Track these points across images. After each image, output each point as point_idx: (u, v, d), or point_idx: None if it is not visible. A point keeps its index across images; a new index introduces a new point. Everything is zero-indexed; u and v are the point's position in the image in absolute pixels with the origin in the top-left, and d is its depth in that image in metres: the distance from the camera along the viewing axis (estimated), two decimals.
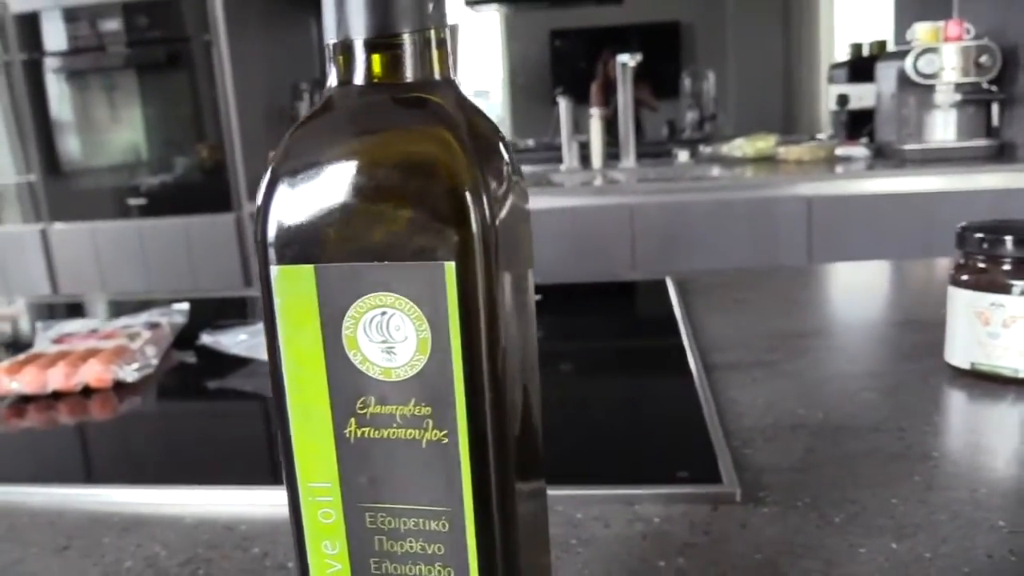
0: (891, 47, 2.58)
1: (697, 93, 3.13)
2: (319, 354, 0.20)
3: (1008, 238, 0.55)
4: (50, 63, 2.34)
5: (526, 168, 2.77)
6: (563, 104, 2.42)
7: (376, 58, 0.20)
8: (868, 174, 1.99)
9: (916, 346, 0.66)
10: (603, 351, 0.76)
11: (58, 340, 0.76)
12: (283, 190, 0.20)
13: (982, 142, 2.04)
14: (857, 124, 2.48)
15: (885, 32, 2.89)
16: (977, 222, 0.59)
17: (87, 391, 0.68)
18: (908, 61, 1.99)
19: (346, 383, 0.20)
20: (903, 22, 2.45)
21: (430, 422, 0.20)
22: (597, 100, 3.03)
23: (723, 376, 0.63)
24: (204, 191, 2.32)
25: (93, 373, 0.67)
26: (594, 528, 0.43)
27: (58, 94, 2.37)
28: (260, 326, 0.76)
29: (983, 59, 1.96)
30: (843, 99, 2.52)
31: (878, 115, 2.28)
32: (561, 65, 3.54)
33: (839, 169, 2.07)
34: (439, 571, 0.21)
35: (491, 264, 0.19)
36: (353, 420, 0.20)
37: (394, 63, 0.20)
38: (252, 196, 2.28)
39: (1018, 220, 0.59)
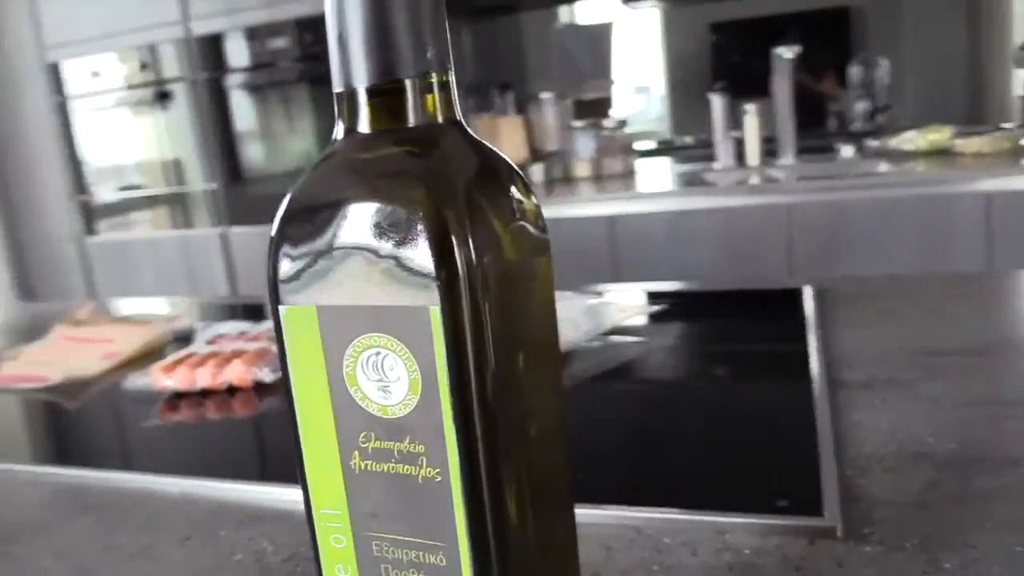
0: None
1: (868, 82, 2.93)
2: (325, 389, 0.21)
3: None
4: (232, 80, 2.55)
5: (680, 167, 2.71)
6: (716, 100, 2.34)
7: (377, 105, 0.21)
8: None
9: None
10: (718, 364, 0.74)
11: (211, 341, 0.83)
12: (288, 234, 0.21)
13: None
14: None
15: None
16: None
17: (231, 390, 0.74)
18: None
19: (349, 417, 0.21)
20: None
21: (424, 459, 0.20)
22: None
23: (848, 395, 0.59)
24: None
25: (236, 373, 0.73)
26: (680, 555, 0.42)
27: (239, 108, 2.58)
28: None
29: None
30: None
31: None
32: (721, 59, 3.43)
33: None
34: None
35: (479, 308, 0.19)
36: (357, 453, 0.21)
37: (395, 110, 0.21)
38: None
39: None
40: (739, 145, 2.44)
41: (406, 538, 0.21)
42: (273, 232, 0.21)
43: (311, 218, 0.21)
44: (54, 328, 0.93)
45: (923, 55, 3.14)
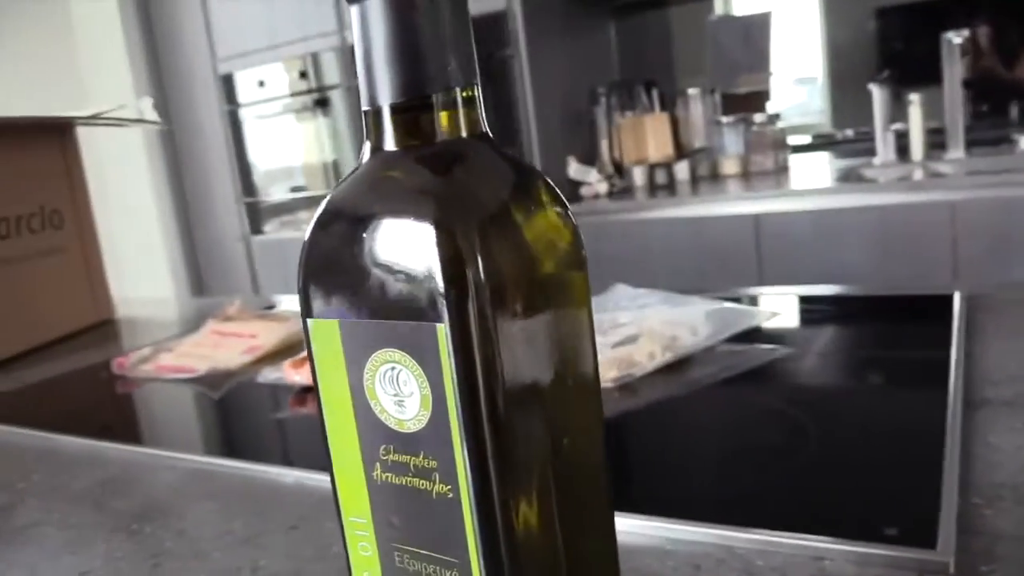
0: None
1: None
2: (348, 400, 0.22)
3: None
4: None
5: (838, 162, 2.56)
6: (876, 91, 2.20)
7: (400, 122, 0.21)
8: None
9: None
10: (844, 374, 0.69)
11: None
12: (314, 249, 0.22)
13: None
14: None
15: None
16: None
17: None
18: None
19: (370, 429, 0.21)
20: None
21: (436, 475, 0.20)
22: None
23: (988, 415, 0.54)
24: None
25: None
26: None
27: None
28: None
29: None
30: None
31: None
32: (886, 46, 3.21)
33: None
34: None
35: (488, 327, 0.19)
36: (378, 464, 0.22)
37: (418, 126, 0.21)
38: None
39: None
40: (903, 138, 2.28)
41: (424, 551, 0.21)
42: (303, 245, 0.22)
43: (336, 233, 0.21)
44: (207, 323, 1.01)
45: None
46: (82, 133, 1.25)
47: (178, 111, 3.18)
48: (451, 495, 0.20)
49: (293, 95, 2.88)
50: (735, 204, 2.10)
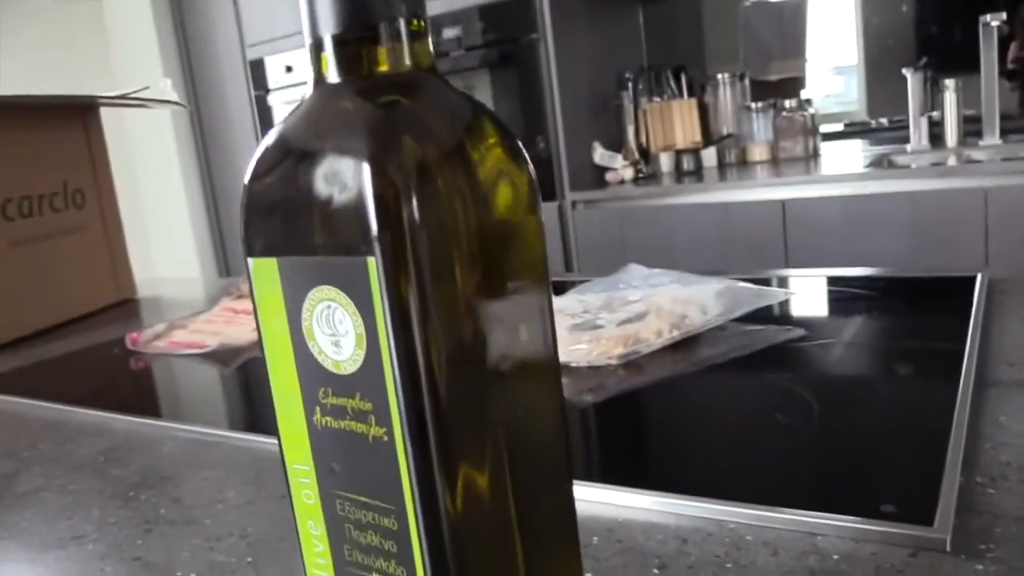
0: None
1: None
2: (288, 343, 0.21)
3: None
4: None
5: (871, 148, 2.51)
6: (911, 77, 2.15)
7: (343, 54, 0.20)
8: None
9: None
10: (854, 354, 0.67)
11: None
12: (253, 187, 0.21)
13: None
14: None
15: None
16: None
17: None
18: None
19: (309, 372, 0.21)
20: None
21: (372, 417, 0.20)
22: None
23: (999, 394, 0.52)
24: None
25: None
26: (759, 554, 0.38)
27: None
28: None
29: None
30: None
31: None
32: (924, 32, 3.14)
33: None
34: (394, 569, 0.20)
35: (420, 261, 0.18)
36: (318, 408, 0.21)
37: (361, 59, 0.20)
38: (573, 186, 2.37)
39: None
40: (937, 126, 2.23)
41: (363, 498, 0.21)
42: (243, 184, 0.21)
43: (273, 170, 0.21)
44: (221, 300, 1.02)
45: None
46: (113, 119, 1.27)
47: (207, 96, 3.21)
48: (387, 438, 0.20)
49: None
50: (762, 190, 2.07)
